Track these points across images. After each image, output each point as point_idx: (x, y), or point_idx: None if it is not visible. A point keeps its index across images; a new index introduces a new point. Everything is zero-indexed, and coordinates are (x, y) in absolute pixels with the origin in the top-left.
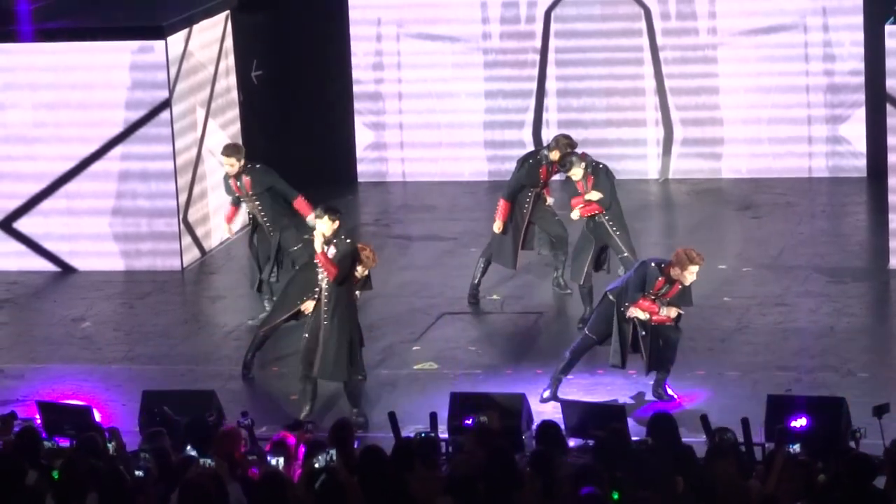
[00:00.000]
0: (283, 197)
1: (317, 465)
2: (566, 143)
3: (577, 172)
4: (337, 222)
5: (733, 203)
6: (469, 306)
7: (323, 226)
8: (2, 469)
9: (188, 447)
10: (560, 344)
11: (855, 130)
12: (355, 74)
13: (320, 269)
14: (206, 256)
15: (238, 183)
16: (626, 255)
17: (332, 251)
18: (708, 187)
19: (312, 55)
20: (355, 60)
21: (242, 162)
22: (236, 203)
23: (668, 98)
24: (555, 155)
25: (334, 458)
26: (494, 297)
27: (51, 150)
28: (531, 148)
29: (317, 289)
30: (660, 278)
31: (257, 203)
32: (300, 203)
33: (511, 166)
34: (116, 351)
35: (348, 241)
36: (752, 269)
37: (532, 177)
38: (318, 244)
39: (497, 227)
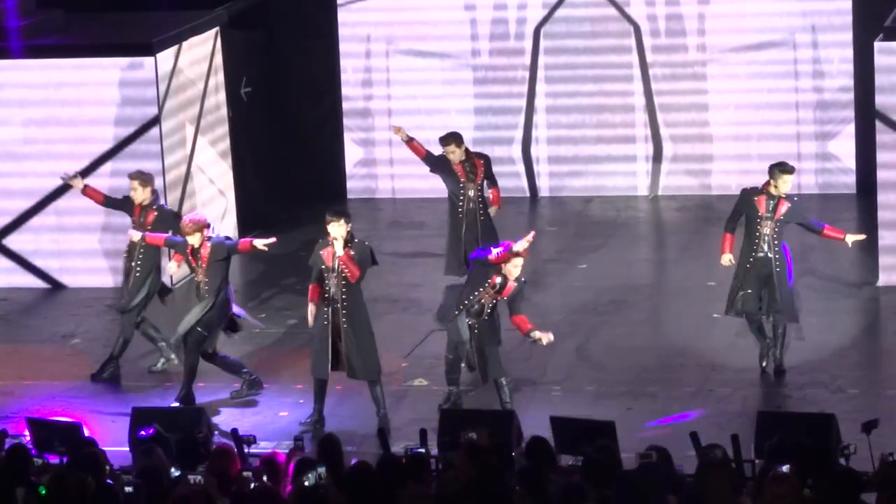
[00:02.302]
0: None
1: (307, 483)
2: None
3: None
4: (349, 224)
5: (723, 220)
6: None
7: (339, 229)
8: None
9: (172, 469)
10: (549, 360)
11: (844, 147)
12: (345, 91)
13: (331, 274)
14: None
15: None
16: None
17: (350, 255)
18: (698, 204)
19: (302, 72)
20: (345, 77)
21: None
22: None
23: (658, 115)
24: None
25: (323, 475)
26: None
27: (40, 167)
28: (521, 164)
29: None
30: (494, 275)
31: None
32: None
33: (501, 182)
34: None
35: (366, 242)
36: None
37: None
38: (339, 247)
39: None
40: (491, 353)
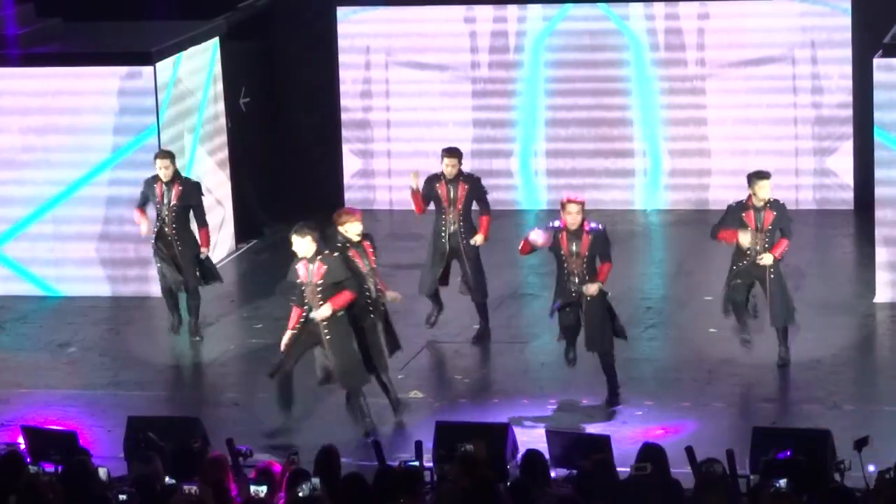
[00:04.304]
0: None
1: (301, 495)
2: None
3: None
4: (314, 237)
5: None
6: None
7: (301, 246)
8: None
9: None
10: (546, 374)
11: (842, 163)
12: (343, 102)
13: (306, 290)
14: None
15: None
16: None
17: (322, 269)
18: (695, 218)
19: (301, 82)
20: (343, 88)
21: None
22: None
23: (657, 129)
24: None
25: (318, 486)
26: (475, 326)
27: (38, 175)
28: (518, 177)
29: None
30: None
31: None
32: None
33: (498, 196)
34: (102, 376)
35: (335, 254)
36: None
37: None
38: (310, 270)
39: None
40: None
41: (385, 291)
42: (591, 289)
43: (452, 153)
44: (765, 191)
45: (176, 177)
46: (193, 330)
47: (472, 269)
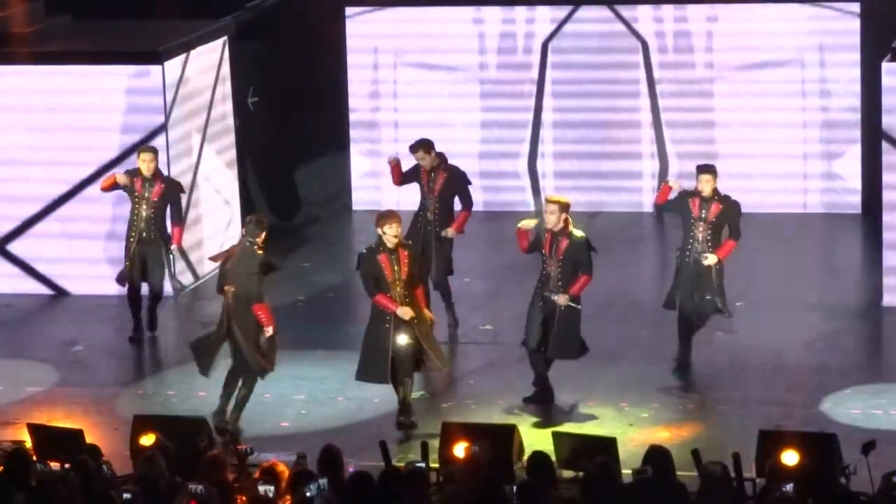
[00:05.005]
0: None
1: (309, 495)
2: None
3: None
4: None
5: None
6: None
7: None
8: None
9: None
10: (552, 376)
11: (850, 167)
12: (352, 102)
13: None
14: (199, 282)
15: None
16: None
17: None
18: None
19: (309, 83)
20: (352, 88)
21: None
22: None
23: (664, 131)
24: None
25: (325, 487)
26: (487, 327)
27: (45, 173)
28: (527, 178)
29: None
30: None
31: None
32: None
33: (506, 197)
34: (108, 375)
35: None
36: (744, 304)
37: None
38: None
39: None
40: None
41: (399, 306)
42: (562, 299)
43: (416, 148)
44: (704, 185)
45: (157, 174)
46: (151, 325)
47: (441, 262)
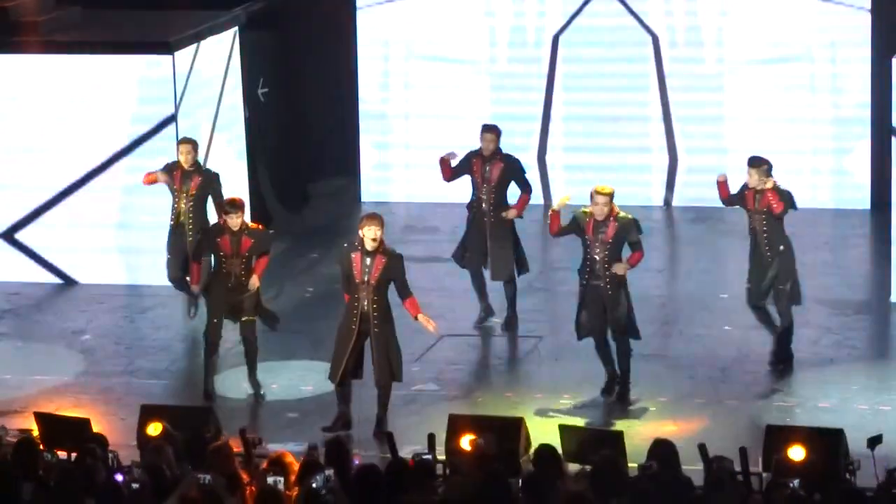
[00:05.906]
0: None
1: (315, 485)
2: None
3: None
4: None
5: (736, 232)
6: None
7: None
8: None
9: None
10: (559, 368)
11: (859, 163)
12: (362, 94)
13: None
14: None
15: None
16: None
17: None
18: (711, 216)
19: (320, 74)
20: (362, 80)
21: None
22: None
23: (674, 125)
24: None
25: (332, 478)
26: (495, 320)
27: (55, 162)
28: (536, 172)
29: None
30: None
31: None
32: None
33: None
34: (116, 364)
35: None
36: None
37: None
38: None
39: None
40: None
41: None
42: (620, 268)
43: (491, 128)
44: (754, 180)
45: (196, 166)
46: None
47: (502, 246)
